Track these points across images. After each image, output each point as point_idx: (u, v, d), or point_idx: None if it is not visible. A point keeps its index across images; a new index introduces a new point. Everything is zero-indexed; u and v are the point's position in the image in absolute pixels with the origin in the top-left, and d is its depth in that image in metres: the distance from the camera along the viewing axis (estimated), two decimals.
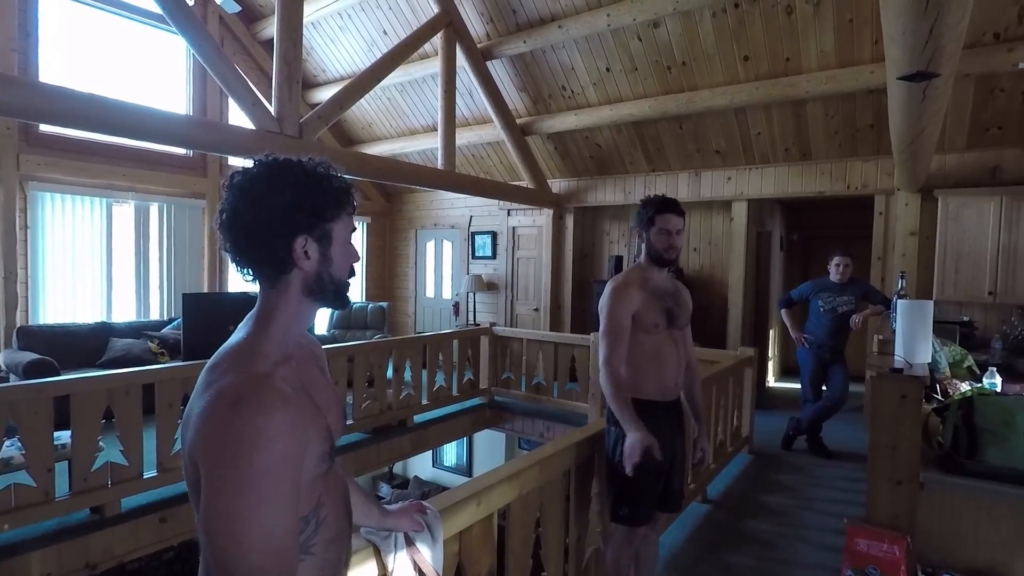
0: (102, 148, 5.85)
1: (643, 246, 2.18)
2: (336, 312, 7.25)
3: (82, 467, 3.04)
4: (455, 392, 5.49)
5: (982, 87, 4.39)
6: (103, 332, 5.50)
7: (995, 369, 2.76)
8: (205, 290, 6.68)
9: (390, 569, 1.28)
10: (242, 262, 0.89)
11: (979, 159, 4.77)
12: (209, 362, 0.86)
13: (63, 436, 3.05)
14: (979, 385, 2.58)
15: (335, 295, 0.94)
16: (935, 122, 2.94)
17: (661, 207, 2.10)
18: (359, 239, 8.69)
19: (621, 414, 2.01)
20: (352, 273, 0.97)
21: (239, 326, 0.92)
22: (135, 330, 5.70)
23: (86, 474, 3.04)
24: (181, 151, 6.45)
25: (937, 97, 2.41)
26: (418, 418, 5.12)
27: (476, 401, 5.78)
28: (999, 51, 4.10)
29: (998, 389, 2.58)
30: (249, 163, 0.90)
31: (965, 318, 4.74)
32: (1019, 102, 4.38)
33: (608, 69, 5.70)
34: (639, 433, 1.94)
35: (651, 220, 2.11)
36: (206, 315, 4.03)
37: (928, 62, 1.92)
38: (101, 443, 3.15)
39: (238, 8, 6.61)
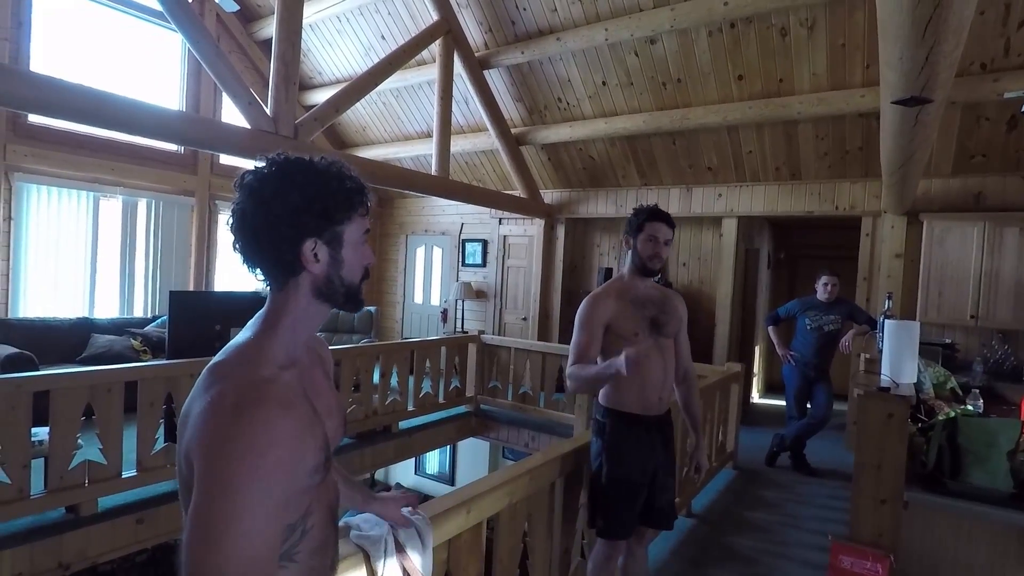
0: (90, 141, 5.79)
1: (629, 255, 2.11)
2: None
3: (59, 465, 2.97)
4: (441, 399, 5.46)
5: (968, 115, 4.49)
6: (84, 328, 5.41)
7: (978, 391, 2.81)
8: (192, 288, 6.60)
9: (379, 575, 1.27)
10: (252, 264, 0.88)
11: (964, 185, 4.86)
12: (213, 360, 0.85)
13: (40, 432, 2.98)
14: (963, 406, 2.62)
15: (346, 297, 0.93)
16: (925, 147, 2.99)
17: (652, 215, 2.06)
18: None
19: (598, 373, 1.89)
20: (366, 275, 0.96)
21: (247, 325, 0.91)
22: (118, 327, 5.61)
23: (63, 472, 2.98)
24: (172, 147, 6.39)
25: (929, 123, 2.45)
26: (403, 424, 5.09)
27: (462, 409, 5.75)
28: (986, 81, 4.19)
29: (981, 411, 2.62)
30: (260, 163, 0.88)
31: (947, 340, 4.80)
32: (1003, 131, 4.48)
33: (604, 83, 5.75)
34: (623, 355, 1.76)
35: (640, 227, 2.06)
36: (192, 313, 3.98)
37: (923, 87, 1.96)
38: (80, 441, 3.08)
39: (236, 7, 6.59)
